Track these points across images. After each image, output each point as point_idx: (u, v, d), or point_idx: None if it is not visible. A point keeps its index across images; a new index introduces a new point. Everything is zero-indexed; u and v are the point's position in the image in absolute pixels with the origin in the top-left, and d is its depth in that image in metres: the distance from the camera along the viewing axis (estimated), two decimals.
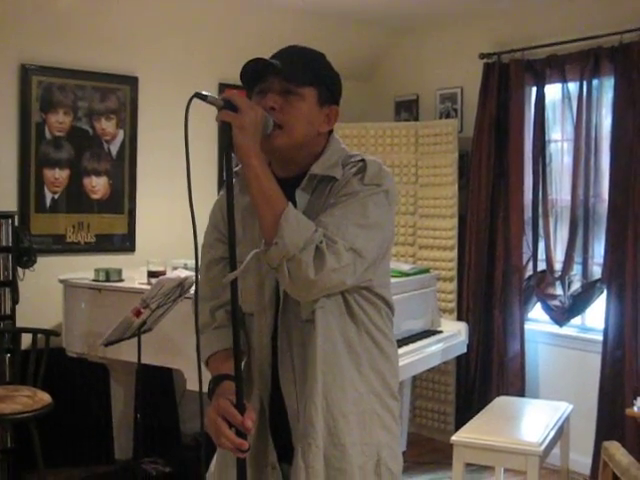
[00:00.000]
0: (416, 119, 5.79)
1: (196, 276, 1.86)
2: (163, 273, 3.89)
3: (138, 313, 3.17)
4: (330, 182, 1.89)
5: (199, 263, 1.81)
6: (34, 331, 4.26)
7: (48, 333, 4.25)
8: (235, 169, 1.92)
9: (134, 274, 4.29)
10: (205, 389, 1.87)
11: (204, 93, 1.73)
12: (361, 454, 1.92)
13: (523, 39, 5.00)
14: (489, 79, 5.14)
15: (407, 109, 5.90)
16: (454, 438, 3.70)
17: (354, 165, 1.88)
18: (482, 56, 5.16)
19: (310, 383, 1.87)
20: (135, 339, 3.39)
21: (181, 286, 3.34)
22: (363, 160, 1.89)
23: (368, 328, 1.93)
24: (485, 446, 3.63)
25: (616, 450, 2.71)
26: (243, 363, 1.96)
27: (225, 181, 1.77)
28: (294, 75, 1.85)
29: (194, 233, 1.71)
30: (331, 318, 1.88)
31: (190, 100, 1.69)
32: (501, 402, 4.34)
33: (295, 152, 1.90)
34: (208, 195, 2.18)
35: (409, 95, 5.88)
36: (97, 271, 4.21)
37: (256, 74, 1.88)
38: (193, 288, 3.10)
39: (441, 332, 4.75)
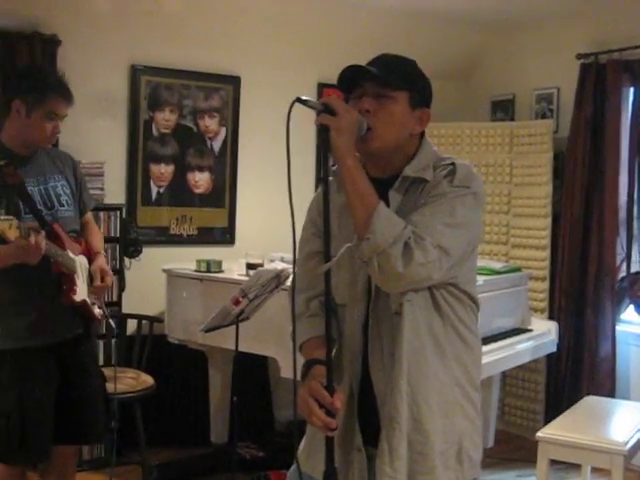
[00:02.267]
0: (512, 119, 5.81)
1: (294, 268, 2.01)
2: (261, 265, 4.07)
3: (237, 302, 3.34)
4: (422, 184, 2.00)
5: (297, 256, 1.97)
6: (139, 317, 4.50)
7: (152, 319, 4.48)
8: (333, 168, 2.07)
9: (233, 266, 4.47)
10: (298, 376, 1.99)
11: (304, 98, 1.86)
12: (443, 441, 2.03)
13: (621, 39, 4.96)
14: (586, 79, 5.13)
15: (503, 109, 5.93)
16: (539, 434, 3.75)
17: (444, 168, 2.00)
18: (579, 56, 5.15)
19: (396, 371, 1.98)
20: (233, 327, 3.56)
21: (278, 278, 3.49)
22: (453, 163, 2.01)
23: (453, 322, 2.03)
24: (570, 443, 3.67)
25: None
26: (334, 350, 2.08)
27: (322, 179, 1.90)
28: (388, 80, 1.98)
29: (293, 227, 1.84)
30: (418, 311, 1.99)
31: (292, 104, 1.81)
32: (589, 401, 4.36)
33: (389, 154, 2.02)
34: (305, 192, 2.31)
35: (505, 95, 5.90)
36: (199, 262, 4.42)
37: (352, 79, 2.01)
38: (290, 280, 3.24)
39: (531, 330, 4.80)
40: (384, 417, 2.02)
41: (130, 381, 4.05)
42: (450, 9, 5.34)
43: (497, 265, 4.85)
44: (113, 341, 4.58)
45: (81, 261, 3.20)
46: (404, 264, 1.84)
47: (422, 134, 2.09)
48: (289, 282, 2.22)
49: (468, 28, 5.78)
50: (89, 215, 3.48)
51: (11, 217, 2.70)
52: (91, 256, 3.30)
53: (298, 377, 1.98)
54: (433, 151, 2.08)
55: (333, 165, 2.04)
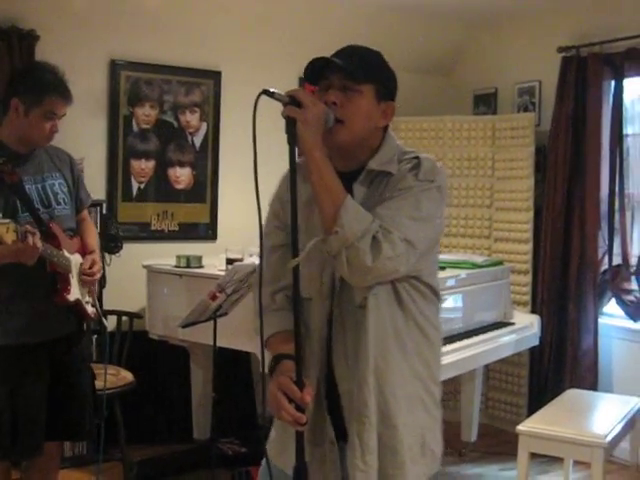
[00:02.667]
0: (494, 112, 5.81)
1: (260, 262, 2.00)
2: (240, 260, 4.05)
3: (214, 297, 3.33)
4: (386, 177, 2.01)
5: (262, 248, 1.97)
6: (119, 313, 4.48)
7: (132, 315, 4.47)
8: (297, 161, 2.06)
9: (214, 261, 4.45)
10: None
11: (271, 90, 1.86)
12: (409, 435, 2.04)
13: (602, 32, 4.97)
14: (567, 73, 5.13)
15: (485, 103, 5.93)
16: (520, 427, 3.76)
17: (409, 162, 2.01)
18: (560, 49, 5.15)
19: (362, 365, 1.99)
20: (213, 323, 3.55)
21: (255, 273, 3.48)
22: (417, 157, 2.02)
23: (415, 316, 2.04)
24: (550, 436, 3.67)
25: None
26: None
27: (289, 172, 1.89)
28: (354, 72, 1.97)
29: (259, 221, 1.87)
30: (382, 305, 1.99)
31: (258, 96, 1.82)
32: (571, 395, 4.37)
33: (354, 146, 2.02)
34: None
35: (488, 89, 5.90)
36: (178, 257, 4.40)
37: (318, 71, 2.00)
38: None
39: (513, 324, 4.80)
40: (352, 411, 2.01)
41: (110, 377, 4.02)
42: (432, 3, 5.33)
43: (478, 259, 4.85)
44: (94, 337, 4.56)
45: (76, 260, 3.22)
46: (373, 258, 1.84)
47: (386, 127, 2.10)
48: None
49: (450, 22, 5.77)
50: (85, 212, 3.50)
51: (8, 220, 2.71)
52: (86, 254, 3.30)
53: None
54: (396, 144, 2.09)
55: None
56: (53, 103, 3.08)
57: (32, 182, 3.13)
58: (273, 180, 2.23)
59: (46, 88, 3.06)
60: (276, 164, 2.28)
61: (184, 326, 3.44)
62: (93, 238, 3.43)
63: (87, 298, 3.27)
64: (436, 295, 2.11)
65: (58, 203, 3.20)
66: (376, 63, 2.06)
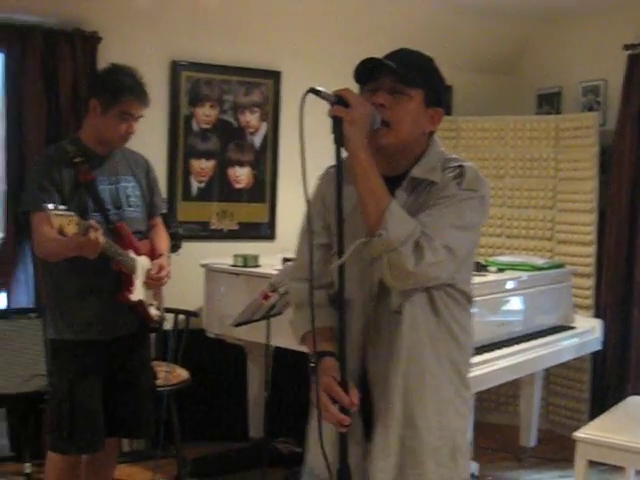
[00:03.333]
0: (558, 112, 5.70)
1: (311, 260, 1.99)
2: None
3: (266, 297, 3.34)
4: (429, 185, 2.01)
5: (305, 247, 2.00)
6: (176, 312, 4.52)
7: (189, 314, 4.51)
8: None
9: (272, 261, 4.47)
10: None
11: (318, 88, 1.86)
12: (437, 438, 2.05)
13: None
14: (633, 71, 4.99)
15: (549, 102, 5.82)
16: (577, 434, 3.67)
17: (452, 170, 2.00)
18: (627, 47, 5.02)
19: (392, 369, 2.01)
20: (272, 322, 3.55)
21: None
22: (461, 166, 2.01)
23: (448, 321, 2.05)
24: (610, 444, 3.57)
25: None
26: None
27: (335, 172, 1.89)
28: (405, 76, 1.96)
29: (308, 219, 1.91)
30: (417, 311, 2.01)
31: (305, 95, 1.84)
32: (633, 402, 4.24)
33: (398, 150, 2.02)
34: None
35: (551, 88, 5.79)
36: (236, 257, 4.43)
37: (369, 72, 2.00)
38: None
39: (574, 328, 4.70)
40: (378, 412, 2.03)
41: (164, 375, 4.08)
42: (495, 2, 5.25)
43: (539, 261, 4.77)
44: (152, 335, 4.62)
45: (143, 262, 3.29)
46: (415, 263, 1.85)
47: (431, 134, 2.09)
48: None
49: (513, 19, 5.68)
50: (158, 218, 3.59)
51: (72, 213, 2.79)
52: (154, 258, 3.38)
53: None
54: (440, 152, 2.08)
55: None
56: (129, 104, 3.16)
57: (106, 183, 3.22)
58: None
59: (122, 89, 3.15)
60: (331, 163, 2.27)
61: (236, 325, 3.45)
62: (164, 243, 3.51)
63: (152, 301, 3.33)
64: (469, 302, 2.13)
65: (129, 205, 3.28)
66: (427, 68, 2.05)
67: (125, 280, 3.19)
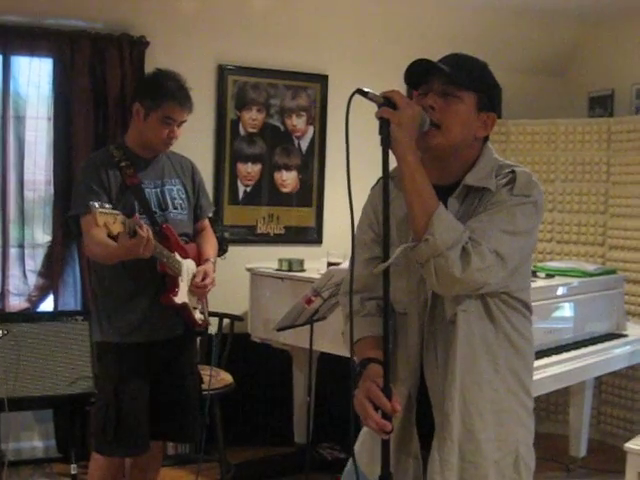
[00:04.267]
0: (611, 115, 5.58)
1: (351, 267, 1.95)
2: (339, 264, 4.01)
3: (309, 301, 3.31)
4: (481, 192, 1.96)
5: (355, 259, 1.96)
6: (220, 315, 4.52)
7: (233, 318, 4.50)
8: (391, 171, 2.00)
9: (317, 265, 4.44)
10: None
11: (365, 90, 1.83)
12: (497, 450, 1.99)
13: None
14: None
15: (601, 104, 5.70)
16: (628, 445, 3.58)
17: (505, 176, 1.95)
18: None
19: (449, 381, 1.96)
20: (317, 327, 3.52)
21: None
22: (513, 171, 1.95)
23: (506, 329, 2.00)
24: None
25: None
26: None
27: (382, 176, 1.85)
28: (456, 78, 1.93)
29: (352, 224, 1.87)
30: (472, 320, 1.96)
31: (352, 96, 1.80)
32: None
33: (449, 155, 1.98)
34: None
35: (604, 90, 5.67)
36: (280, 261, 4.41)
37: (421, 75, 1.97)
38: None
39: (626, 336, 4.59)
40: (437, 425, 1.99)
41: (208, 379, 4.06)
42: (544, 2, 5.17)
43: (590, 267, 4.66)
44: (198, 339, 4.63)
45: (188, 265, 3.30)
46: (462, 269, 1.80)
47: (485, 140, 2.04)
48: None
49: (564, 20, 5.59)
50: (206, 222, 3.60)
51: (117, 212, 2.81)
52: (200, 262, 3.37)
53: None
54: (494, 158, 2.03)
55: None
56: (170, 109, 3.17)
57: (152, 186, 3.24)
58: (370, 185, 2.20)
59: (165, 93, 3.16)
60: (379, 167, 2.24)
61: (279, 329, 3.43)
62: (211, 247, 3.50)
63: (196, 304, 3.32)
64: (528, 309, 2.06)
65: (175, 207, 3.29)
66: (480, 72, 2.01)
67: (170, 282, 3.20)
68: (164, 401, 3.30)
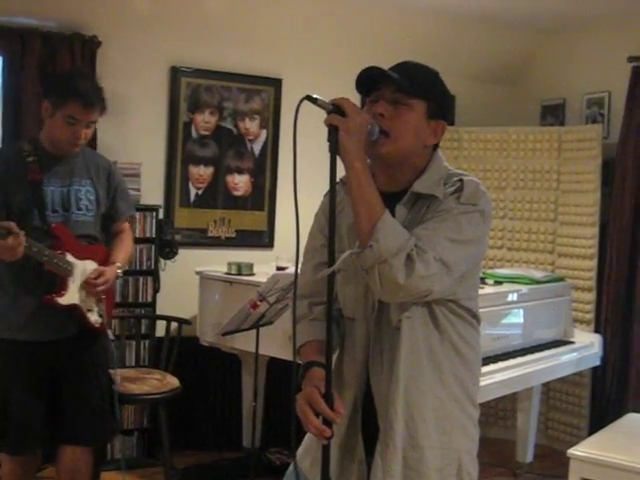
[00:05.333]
0: (562, 124, 5.64)
1: (296, 271, 1.95)
2: (286, 268, 4.01)
3: (254, 306, 3.29)
4: (429, 200, 1.96)
5: (306, 264, 2.03)
6: (168, 319, 4.48)
7: (181, 321, 4.46)
8: (341, 177, 2.01)
9: (267, 269, 4.42)
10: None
11: (314, 96, 1.82)
12: (440, 458, 1.99)
13: None
14: (637, 83, 4.94)
15: (553, 114, 5.77)
16: (571, 451, 3.61)
17: (453, 184, 1.96)
18: (631, 59, 4.96)
19: (392, 387, 1.96)
20: (267, 332, 3.50)
21: None
22: (461, 180, 1.96)
23: (451, 338, 2.00)
24: (603, 462, 3.51)
25: None
26: (334, 357, 2.05)
27: (329, 182, 1.84)
28: (407, 86, 1.93)
29: (297, 231, 1.84)
30: (417, 327, 1.96)
31: (300, 102, 1.80)
32: (631, 419, 4.19)
33: (399, 163, 1.98)
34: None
35: (556, 99, 5.74)
36: (230, 265, 4.39)
37: (371, 82, 1.96)
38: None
39: (573, 343, 4.64)
40: (381, 432, 1.98)
41: (155, 382, 4.04)
42: (499, 11, 5.20)
43: (538, 274, 4.71)
44: (146, 342, 4.59)
45: (86, 266, 3.24)
46: (405, 276, 1.80)
47: (435, 148, 2.05)
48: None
49: (518, 30, 5.63)
50: (124, 224, 3.52)
51: None
52: (107, 265, 3.31)
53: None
54: (444, 166, 2.03)
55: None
56: (74, 108, 3.09)
57: (58, 185, 3.19)
58: (320, 192, 2.20)
59: (70, 92, 3.10)
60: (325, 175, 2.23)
61: (224, 334, 3.41)
62: (122, 251, 3.43)
63: (92, 307, 3.27)
64: (475, 318, 2.06)
65: (79, 209, 3.23)
66: (431, 80, 2.02)
67: (58, 282, 3.14)
68: (67, 404, 3.25)
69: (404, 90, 1.92)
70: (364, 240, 1.83)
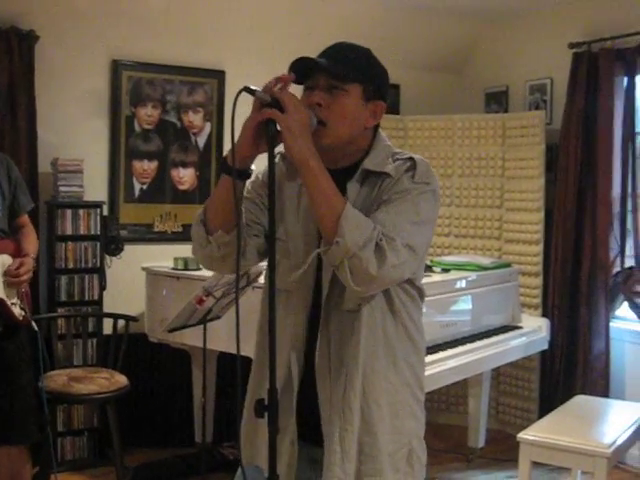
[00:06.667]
0: (506, 111, 5.69)
1: (237, 267, 1.90)
2: None
3: (200, 301, 3.26)
4: (380, 177, 1.95)
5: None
6: (115, 316, 4.42)
7: (128, 318, 4.39)
8: (280, 152, 2.01)
9: None
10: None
11: (252, 88, 1.80)
12: (391, 442, 1.99)
13: (613, 27, 4.84)
14: (578, 69, 4.99)
15: (497, 101, 5.81)
16: (521, 435, 3.64)
17: (404, 163, 1.96)
18: (571, 45, 5.02)
19: (351, 371, 1.94)
20: (219, 327, 3.47)
21: (247, 275, 3.40)
22: (412, 158, 1.97)
23: (404, 320, 2.00)
24: (552, 445, 3.55)
25: None
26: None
27: (268, 175, 1.82)
28: (339, 72, 1.91)
29: (238, 226, 1.80)
30: (375, 310, 1.95)
31: (238, 94, 1.76)
32: (579, 401, 4.24)
33: (342, 147, 1.97)
34: None
35: (499, 87, 5.78)
36: (176, 260, 4.34)
37: (303, 72, 1.93)
38: (261, 278, 3.17)
39: (521, 328, 4.69)
40: (333, 418, 1.96)
41: (103, 381, 3.97)
42: (442, 0, 5.22)
43: (485, 261, 4.74)
44: (94, 340, 4.53)
45: (4, 260, 3.20)
46: (377, 266, 1.79)
47: (376, 127, 2.04)
48: (261, 279, 2.11)
49: (461, 19, 5.66)
50: (26, 218, 3.53)
51: None
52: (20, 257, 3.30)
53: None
54: (388, 145, 2.03)
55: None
56: None
57: None
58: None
59: None
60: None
61: (170, 331, 3.37)
62: (30, 243, 3.45)
63: (15, 300, 3.24)
64: (422, 298, 2.08)
65: None
66: (364, 61, 1.98)
67: None
68: None
69: (337, 77, 1.90)
70: (329, 237, 1.81)
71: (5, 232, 3.29)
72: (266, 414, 1.78)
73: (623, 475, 4.57)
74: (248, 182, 2.00)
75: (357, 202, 1.91)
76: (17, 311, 3.23)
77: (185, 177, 5.11)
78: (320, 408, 1.97)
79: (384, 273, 1.80)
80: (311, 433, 1.99)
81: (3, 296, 3.15)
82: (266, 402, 1.78)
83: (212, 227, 1.97)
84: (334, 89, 1.91)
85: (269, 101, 1.82)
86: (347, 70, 1.91)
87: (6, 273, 3.19)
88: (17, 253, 3.29)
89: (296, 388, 1.99)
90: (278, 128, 1.80)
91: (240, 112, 1.77)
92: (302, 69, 1.92)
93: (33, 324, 3.34)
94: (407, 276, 1.90)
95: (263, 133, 1.83)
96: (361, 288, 1.84)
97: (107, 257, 4.68)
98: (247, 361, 2.16)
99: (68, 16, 4.62)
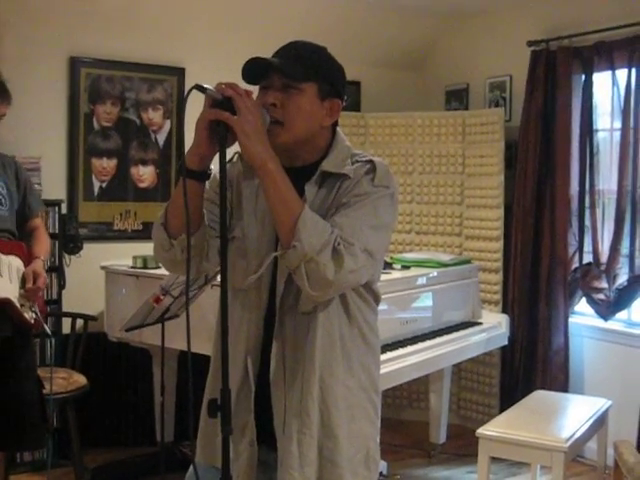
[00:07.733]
0: (466, 108, 5.72)
1: (187, 266, 1.89)
2: None
3: (157, 300, 3.24)
4: (339, 179, 1.94)
5: None
6: (73, 315, 4.38)
7: (86, 318, 4.36)
8: (237, 152, 1.99)
9: None
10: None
11: (204, 86, 1.79)
12: (350, 446, 1.98)
13: (571, 26, 4.88)
14: (537, 67, 5.03)
15: (457, 98, 5.84)
16: (480, 431, 3.67)
17: (363, 165, 1.95)
18: (530, 43, 5.05)
19: (308, 374, 1.93)
20: (177, 325, 3.45)
21: (205, 274, 3.38)
22: (372, 161, 1.95)
23: (360, 324, 2.00)
24: (511, 440, 3.57)
25: (625, 449, 2.65)
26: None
27: (220, 179, 1.81)
28: (293, 71, 1.89)
29: (187, 223, 1.76)
30: (332, 314, 1.95)
31: (189, 91, 1.76)
32: (538, 396, 4.28)
33: (299, 147, 1.95)
34: None
35: (459, 84, 5.81)
36: (135, 258, 4.30)
37: (257, 72, 1.92)
38: (219, 276, 3.16)
39: (481, 324, 4.72)
40: (290, 421, 1.94)
41: (61, 381, 3.94)
42: None
43: (445, 257, 4.77)
44: (52, 340, 4.47)
45: (10, 261, 3.16)
46: (334, 271, 1.78)
47: (334, 126, 2.02)
48: (219, 278, 2.08)
49: (421, 17, 5.67)
50: (38, 221, 3.48)
51: None
52: (30, 260, 3.26)
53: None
54: (347, 145, 2.02)
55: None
56: None
57: None
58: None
59: None
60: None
61: (127, 330, 3.35)
62: (42, 246, 3.40)
63: (25, 302, 3.19)
64: (377, 302, 2.07)
65: None
66: (318, 60, 1.96)
67: None
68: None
69: (291, 76, 1.89)
70: (286, 241, 1.79)
71: (13, 234, 3.25)
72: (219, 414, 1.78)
73: (581, 468, 4.62)
74: (207, 183, 1.97)
75: (315, 204, 1.90)
76: (28, 314, 3.19)
77: (145, 175, 5.08)
78: (274, 411, 1.96)
79: (341, 278, 1.79)
80: (266, 435, 1.97)
81: (11, 297, 3.11)
82: (219, 402, 1.77)
83: (174, 231, 1.93)
84: (289, 88, 1.90)
85: (221, 100, 1.80)
86: (301, 69, 1.90)
87: (26, 289, 3.15)
88: (28, 256, 3.25)
89: (253, 388, 1.98)
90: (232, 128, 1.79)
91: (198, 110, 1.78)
92: (256, 69, 1.90)
93: (45, 327, 3.31)
94: (364, 281, 1.90)
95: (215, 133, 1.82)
96: (318, 293, 1.83)
97: (66, 256, 4.63)
98: (208, 359, 2.16)
99: (26, 12, 4.56)
